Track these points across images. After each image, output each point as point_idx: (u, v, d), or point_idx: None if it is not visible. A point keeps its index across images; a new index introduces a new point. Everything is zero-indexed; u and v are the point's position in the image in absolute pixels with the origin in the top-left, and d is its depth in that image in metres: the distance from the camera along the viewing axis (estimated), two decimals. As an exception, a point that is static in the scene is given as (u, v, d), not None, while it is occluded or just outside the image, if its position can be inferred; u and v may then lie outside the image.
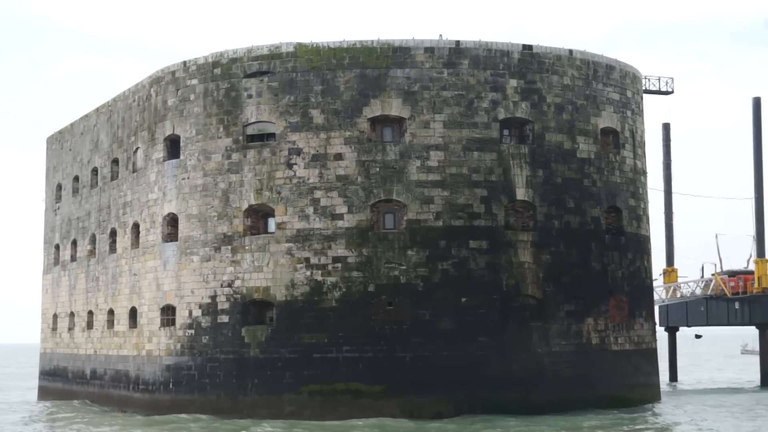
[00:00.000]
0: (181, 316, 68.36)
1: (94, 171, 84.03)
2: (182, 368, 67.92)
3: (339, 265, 64.21)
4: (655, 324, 76.05)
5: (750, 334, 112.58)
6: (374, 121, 65.08)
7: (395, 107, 64.79)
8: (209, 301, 66.91)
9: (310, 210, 64.83)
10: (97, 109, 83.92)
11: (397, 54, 65.16)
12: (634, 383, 70.08)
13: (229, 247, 66.50)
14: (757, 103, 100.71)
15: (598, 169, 68.79)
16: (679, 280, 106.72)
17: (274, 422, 61.95)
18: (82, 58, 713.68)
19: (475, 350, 63.89)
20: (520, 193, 65.73)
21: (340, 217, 64.48)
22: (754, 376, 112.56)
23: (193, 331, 67.50)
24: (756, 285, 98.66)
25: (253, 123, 66.60)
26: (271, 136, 66.34)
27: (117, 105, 79.65)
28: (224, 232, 66.82)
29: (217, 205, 67.20)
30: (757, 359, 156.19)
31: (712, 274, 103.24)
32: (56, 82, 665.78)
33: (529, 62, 66.60)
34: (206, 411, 65.67)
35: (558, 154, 67.05)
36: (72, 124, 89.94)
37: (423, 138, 64.70)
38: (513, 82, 66.08)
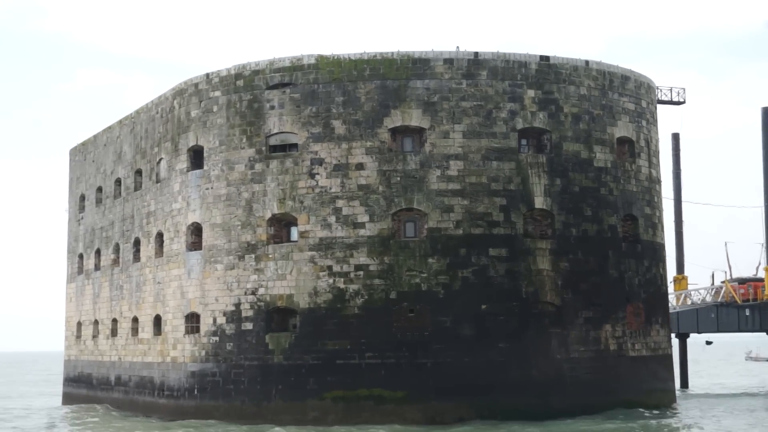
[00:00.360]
0: (206, 324, 68.16)
1: (118, 182, 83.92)
2: (207, 374, 67.72)
3: (361, 272, 64.00)
4: (670, 330, 75.69)
5: (758, 341, 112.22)
6: (395, 132, 64.91)
7: (415, 118, 64.61)
8: (233, 308, 66.72)
9: (332, 219, 64.63)
10: (120, 121, 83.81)
11: (416, 65, 64.99)
12: (651, 389, 69.72)
13: (253, 256, 66.32)
14: (766, 113, 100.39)
15: (615, 177, 68.53)
16: (690, 287, 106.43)
17: (292, 428, 61.65)
18: (94, 73, 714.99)
19: (495, 356, 63.61)
20: (539, 202, 65.49)
21: (362, 225, 64.28)
22: (762, 381, 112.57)
23: (217, 338, 67.30)
24: (767, 292, 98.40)
25: (276, 134, 66.46)
26: (293, 146, 66.19)
27: (140, 117, 79.55)
28: (248, 240, 66.64)
29: (241, 215, 67.03)
30: (761, 365, 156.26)
31: (722, 282, 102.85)
32: (69, 96, 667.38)
33: (547, 73, 66.39)
34: (231, 417, 65.46)
35: (575, 163, 66.80)
36: (95, 136, 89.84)
37: (443, 148, 64.51)
38: (531, 93, 65.88)
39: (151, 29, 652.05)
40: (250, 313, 66.08)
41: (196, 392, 68.45)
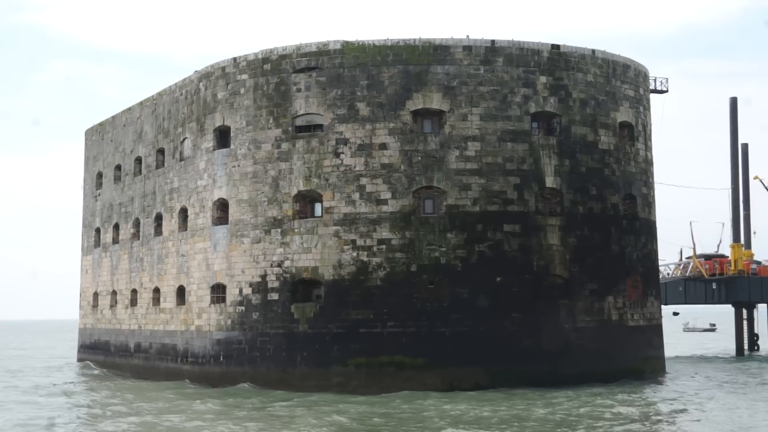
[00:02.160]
0: (232, 294, 66.18)
1: (138, 160, 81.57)
2: (233, 342, 65.80)
3: (383, 246, 62.30)
4: (660, 302, 74.58)
5: (720, 312, 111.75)
6: (416, 114, 63.14)
7: (436, 101, 62.91)
8: (259, 280, 64.77)
9: (356, 195, 62.85)
10: (141, 103, 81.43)
11: (437, 52, 63.26)
12: (648, 356, 68.80)
13: (279, 230, 64.39)
14: (734, 103, 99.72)
15: (617, 159, 67.25)
16: (660, 262, 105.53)
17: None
18: (68, 64, 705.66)
19: (509, 326, 62.22)
20: (549, 181, 64.08)
21: (385, 202, 62.57)
22: (699, 349, 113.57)
23: (243, 308, 65.35)
24: (732, 267, 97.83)
25: (302, 115, 64.54)
26: (318, 127, 64.29)
27: (162, 99, 77.21)
28: (274, 215, 64.71)
29: (267, 191, 65.05)
30: (696, 336, 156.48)
31: (689, 257, 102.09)
32: (45, 86, 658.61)
33: (557, 60, 64.89)
34: (256, 382, 63.70)
35: (582, 145, 65.44)
36: (114, 117, 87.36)
37: (461, 129, 62.88)
38: (543, 79, 64.38)
39: (127, 22, 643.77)
40: (276, 284, 64.18)
41: (221, 359, 66.52)
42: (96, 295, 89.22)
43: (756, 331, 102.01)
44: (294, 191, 64.23)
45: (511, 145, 63.34)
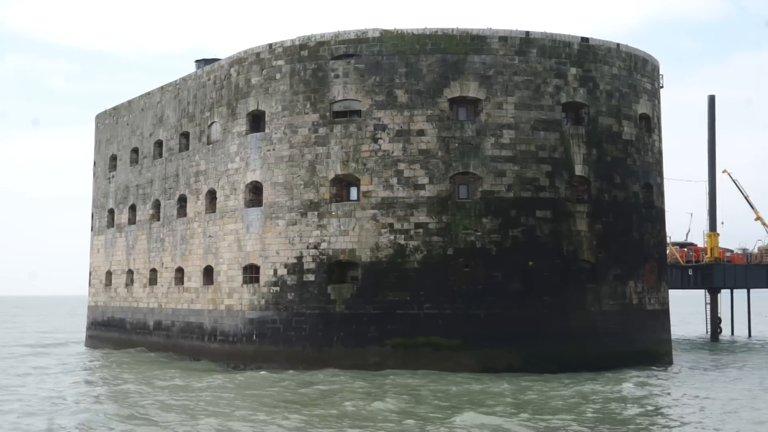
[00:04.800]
0: (266, 275, 62.34)
1: (158, 143, 77.15)
2: (267, 322, 62.02)
3: (420, 230, 58.90)
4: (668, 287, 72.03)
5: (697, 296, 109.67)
6: (452, 102, 59.74)
7: (472, 89, 59.57)
8: (295, 261, 61.06)
9: (393, 180, 59.36)
10: (162, 88, 77.00)
11: (474, 41, 59.90)
12: (662, 339, 66.21)
13: (316, 213, 60.69)
14: (711, 100, 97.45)
15: (637, 149, 64.46)
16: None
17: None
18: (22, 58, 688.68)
19: (540, 308, 59.15)
20: (578, 169, 61.06)
21: (422, 187, 59.14)
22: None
23: (278, 288, 61.57)
24: (708, 255, 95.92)
25: (340, 101, 60.81)
26: (355, 113, 60.65)
27: (186, 84, 72.92)
28: (310, 199, 61.00)
29: (304, 175, 61.30)
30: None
31: (667, 245, 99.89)
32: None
33: (586, 53, 61.86)
34: (291, 361, 59.97)
35: (608, 135, 62.53)
36: (130, 102, 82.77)
37: (497, 118, 59.61)
38: (573, 70, 61.30)
39: (79, 17, 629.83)
40: (312, 265, 60.48)
41: (254, 338, 62.66)
42: (109, 273, 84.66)
43: (719, 315, 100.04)
44: (331, 175, 60.53)
45: (543, 133, 60.21)
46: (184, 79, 73.60)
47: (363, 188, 59.80)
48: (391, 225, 59.21)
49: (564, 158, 60.63)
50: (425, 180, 59.16)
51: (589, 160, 61.41)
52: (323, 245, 60.32)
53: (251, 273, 63.76)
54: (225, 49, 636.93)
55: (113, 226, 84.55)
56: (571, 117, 61.66)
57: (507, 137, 59.58)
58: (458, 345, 57.97)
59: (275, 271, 61.83)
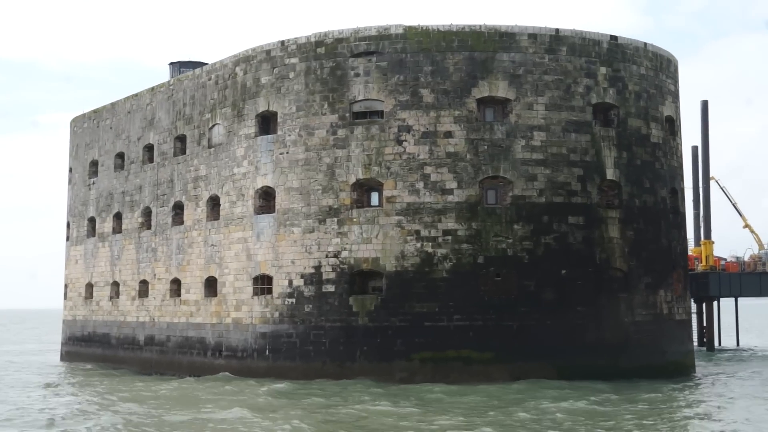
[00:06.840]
0: (280, 285, 58.77)
1: (148, 147, 73.06)
2: (281, 335, 58.43)
3: (449, 237, 55.84)
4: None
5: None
6: (479, 102, 56.81)
7: (502, 89, 56.74)
8: (312, 271, 57.58)
9: (420, 185, 56.22)
10: (153, 89, 72.94)
11: (503, 39, 57.10)
12: (688, 350, 63.86)
13: (335, 219, 57.31)
14: (705, 105, 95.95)
15: (664, 153, 62.17)
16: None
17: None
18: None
19: (574, 319, 56.44)
20: (609, 173, 58.54)
21: (450, 192, 56.10)
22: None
23: (294, 300, 58.03)
24: (703, 263, 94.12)
25: (361, 101, 57.55)
26: (376, 113, 57.43)
27: (182, 84, 69.05)
28: (329, 204, 57.57)
29: (322, 179, 57.89)
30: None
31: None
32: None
33: (615, 52, 59.41)
34: (309, 377, 56.39)
35: (637, 138, 60.11)
36: (113, 104, 78.51)
37: (527, 119, 56.85)
38: (603, 70, 58.82)
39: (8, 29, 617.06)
40: (332, 275, 57.06)
41: (267, 353, 59.00)
42: (90, 285, 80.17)
43: (704, 325, 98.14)
44: (352, 179, 57.22)
45: (574, 135, 57.58)
46: (179, 80, 69.75)
47: (386, 193, 56.58)
48: (417, 232, 56.04)
49: (595, 161, 58.06)
50: (453, 184, 56.15)
51: (620, 164, 58.93)
52: (344, 254, 56.96)
53: (262, 284, 60.15)
54: (165, 57, 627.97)
55: (94, 236, 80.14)
56: (600, 118, 59.12)
57: (538, 139, 56.83)
58: (490, 358, 55.01)
59: (290, 282, 58.32)
